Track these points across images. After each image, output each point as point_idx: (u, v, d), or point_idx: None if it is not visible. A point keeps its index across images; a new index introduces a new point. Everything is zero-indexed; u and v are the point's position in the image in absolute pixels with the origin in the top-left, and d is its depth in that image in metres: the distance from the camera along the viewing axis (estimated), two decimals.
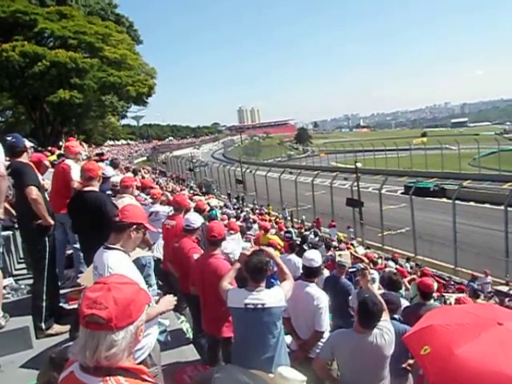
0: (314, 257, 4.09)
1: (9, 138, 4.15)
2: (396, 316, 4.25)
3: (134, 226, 2.79)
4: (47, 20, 25.21)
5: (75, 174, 5.07)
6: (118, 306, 1.40)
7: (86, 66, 24.96)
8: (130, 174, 9.79)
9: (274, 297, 3.26)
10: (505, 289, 13.81)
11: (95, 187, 4.26)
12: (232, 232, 7.00)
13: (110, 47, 27.44)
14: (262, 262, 3.33)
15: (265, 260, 3.37)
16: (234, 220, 12.31)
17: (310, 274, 4.09)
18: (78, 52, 25.49)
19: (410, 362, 3.41)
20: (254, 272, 3.30)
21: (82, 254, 4.81)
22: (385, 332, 3.12)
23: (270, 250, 3.72)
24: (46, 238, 4.11)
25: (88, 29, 26.13)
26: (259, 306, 3.20)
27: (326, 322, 3.89)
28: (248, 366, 3.33)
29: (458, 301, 7.05)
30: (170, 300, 2.87)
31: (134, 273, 2.61)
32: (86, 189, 4.21)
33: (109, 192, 5.79)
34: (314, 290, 4.01)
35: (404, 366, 3.53)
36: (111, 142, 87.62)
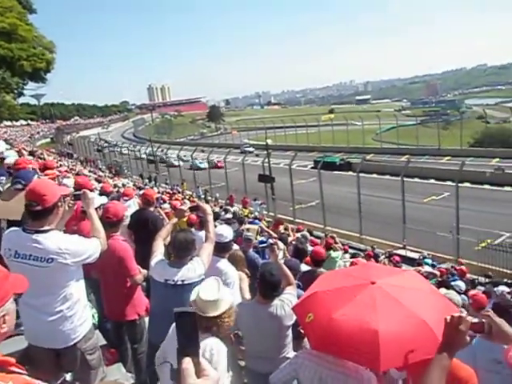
0: (223, 232, 4.15)
1: None
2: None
3: (59, 204, 2.70)
4: None
5: None
6: None
7: None
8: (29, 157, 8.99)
9: (194, 272, 3.27)
10: (402, 252, 15.12)
11: None
12: (126, 198, 6.92)
13: None
14: (188, 240, 3.34)
15: (190, 238, 3.38)
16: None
17: (220, 248, 4.10)
18: None
19: None
20: (179, 248, 3.33)
21: None
22: (286, 304, 3.19)
23: (207, 206, 3.90)
24: None
25: None
26: (179, 283, 3.22)
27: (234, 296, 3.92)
28: (162, 341, 3.29)
29: (351, 263, 7.42)
30: (87, 197, 3.02)
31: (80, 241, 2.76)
32: None
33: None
34: (224, 265, 4.06)
35: (299, 329, 3.69)
36: (8, 123, 79.90)
